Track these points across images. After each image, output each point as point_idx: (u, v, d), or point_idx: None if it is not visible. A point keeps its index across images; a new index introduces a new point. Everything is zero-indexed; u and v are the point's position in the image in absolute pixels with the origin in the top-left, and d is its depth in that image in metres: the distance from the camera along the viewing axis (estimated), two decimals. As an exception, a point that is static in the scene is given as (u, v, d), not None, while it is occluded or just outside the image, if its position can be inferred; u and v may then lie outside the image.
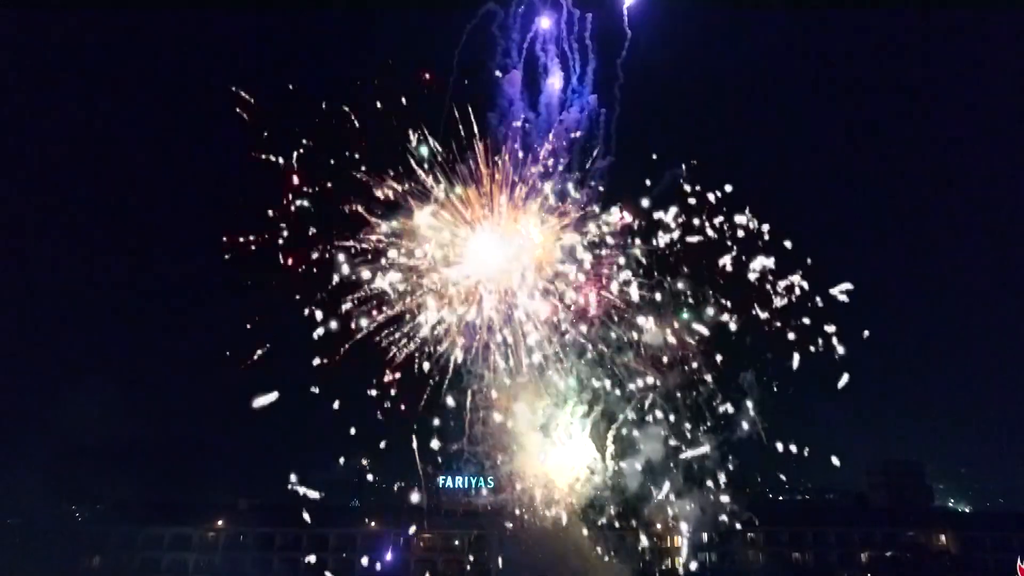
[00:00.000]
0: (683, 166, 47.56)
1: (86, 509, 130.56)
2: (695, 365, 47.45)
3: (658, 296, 47.35)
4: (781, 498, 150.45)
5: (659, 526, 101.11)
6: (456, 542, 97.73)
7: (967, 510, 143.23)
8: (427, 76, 45.12)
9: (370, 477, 63.72)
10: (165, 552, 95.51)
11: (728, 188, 47.91)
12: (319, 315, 44.29)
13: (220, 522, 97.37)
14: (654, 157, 47.49)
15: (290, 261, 44.42)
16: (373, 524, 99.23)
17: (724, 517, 52.52)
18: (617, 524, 58.70)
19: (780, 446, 47.89)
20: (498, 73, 48.07)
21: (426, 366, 46.09)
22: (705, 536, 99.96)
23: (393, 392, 44.86)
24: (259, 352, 42.71)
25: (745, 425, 47.65)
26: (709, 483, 50.53)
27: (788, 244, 47.40)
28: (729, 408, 47.91)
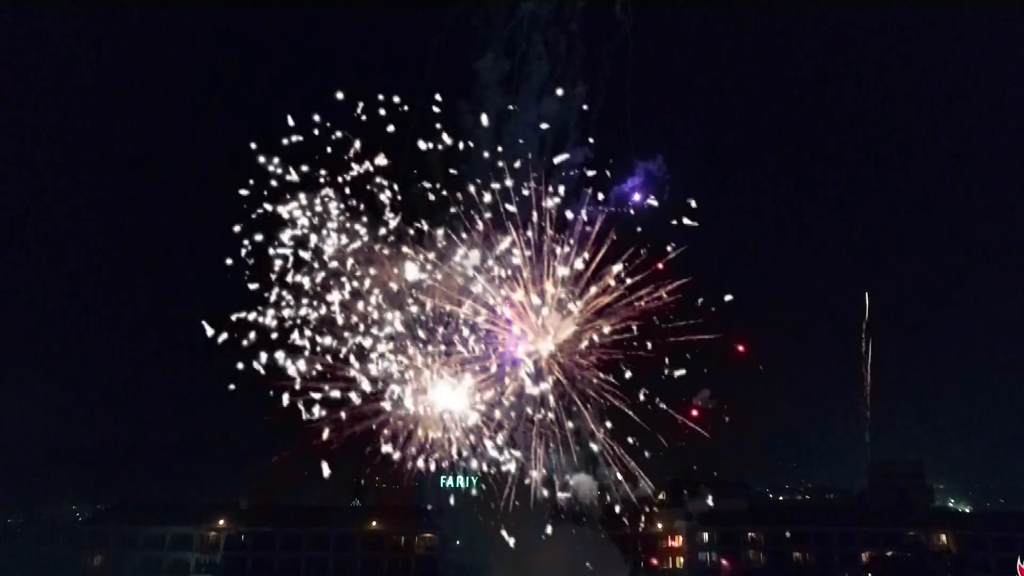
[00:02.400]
0: (660, 158, 45.32)
1: (87, 509, 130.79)
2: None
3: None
4: (782, 498, 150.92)
5: (659, 526, 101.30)
6: (457, 541, 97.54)
7: (967, 510, 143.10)
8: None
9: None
10: (166, 552, 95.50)
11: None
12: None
13: (220, 522, 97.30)
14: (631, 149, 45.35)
15: None
16: (374, 524, 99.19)
17: None
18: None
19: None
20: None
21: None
22: (706, 536, 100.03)
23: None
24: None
25: None
26: None
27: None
28: None
